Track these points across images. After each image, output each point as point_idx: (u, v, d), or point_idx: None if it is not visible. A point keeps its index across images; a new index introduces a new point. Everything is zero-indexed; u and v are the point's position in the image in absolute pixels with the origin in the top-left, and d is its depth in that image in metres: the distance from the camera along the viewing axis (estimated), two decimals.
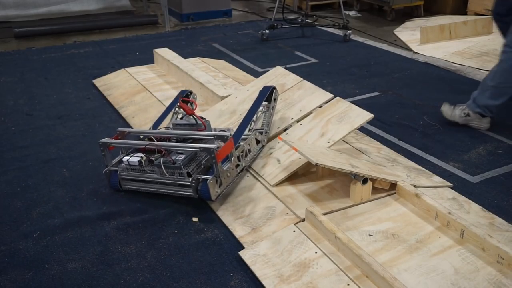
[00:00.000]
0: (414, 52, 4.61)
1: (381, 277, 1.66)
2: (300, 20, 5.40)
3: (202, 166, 2.24)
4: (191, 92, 2.83)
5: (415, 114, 3.25)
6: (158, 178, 2.23)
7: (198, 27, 5.71)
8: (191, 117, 2.44)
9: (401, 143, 2.86)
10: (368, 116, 2.46)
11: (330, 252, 1.88)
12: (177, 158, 2.17)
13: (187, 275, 1.86)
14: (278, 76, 3.07)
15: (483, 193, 2.36)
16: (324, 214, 2.06)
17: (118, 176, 2.31)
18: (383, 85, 3.80)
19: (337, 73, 4.09)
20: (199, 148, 2.13)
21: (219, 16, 6.09)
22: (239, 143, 2.37)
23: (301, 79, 2.95)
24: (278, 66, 3.17)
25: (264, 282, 1.78)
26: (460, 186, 2.42)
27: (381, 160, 2.57)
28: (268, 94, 2.65)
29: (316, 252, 1.88)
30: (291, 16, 5.84)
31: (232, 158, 2.24)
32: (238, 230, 2.08)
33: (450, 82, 3.83)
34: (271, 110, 2.66)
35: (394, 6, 5.81)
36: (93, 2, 6.16)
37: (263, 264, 1.86)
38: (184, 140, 2.38)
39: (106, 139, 2.32)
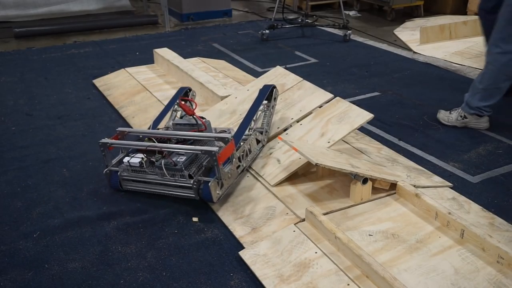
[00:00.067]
0: (414, 52, 4.61)
1: (381, 277, 1.66)
2: (300, 20, 5.40)
3: (203, 168, 2.24)
4: (190, 89, 2.83)
5: (415, 114, 3.25)
6: (159, 179, 2.24)
7: (198, 27, 5.71)
8: (192, 117, 2.44)
9: (401, 143, 2.86)
10: (368, 116, 2.46)
11: (330, 252, 1.88)
12: (178, 159, 2.17)
13: (187, 275, 1.86)
14: (278, 76, 3.07)
15: (483, 193, 2.36)
16: (324, 214, 2.06)
17: (119, 176, 2.31)
18: (383, 85, 3.80)
19: (337, 73, 4.09)
20: (201, 150, 2.14)
21: (219, 16, 6.09)
22: (240, 143, 2.37)
23: (301, 79, 2.95)
24: (278, 66, 3.17)
25: (264, 282, 1.78)
26: (460, 186, 2.42)
27: (381, 160, 2.57)
28: (268, 93, 2.65)
29: (316, 252, 1.88)
30: (291, 16, 5.84)
31: (233, 160, 2.24)
32: (238, 230, 2.08)
33: (450, 82, 3.83)
34: (271, 109, 2.66)
35: (394, 6, 5.81)
36: (93, 2, 6.16)
37: (263, 264, 1.86)
38: (185, 140, 2.38)
39: (106, 140, 2.32)
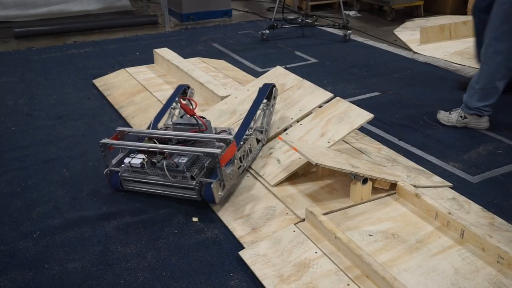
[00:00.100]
0: (414, 52, 4.61)
1: (381, 277, 1.66)
2: (300, 20, 5.40)
3: (205, 169, 2.24)
4: (188, 87, 2.83)
5: (415, 114, 3.25)
6: (161, 180, 2.23)
7: (198, 27, 5.71)
8: (192, 117, 2.44)
9: (401, 143, 2.86)
10: (368, 116, 2.46)
11: (330, 252, 1.88)
12: (180, 161, 2.17)
13: (187, 275, 1.86)
14: (278, 76, 3.07)
15: (483, 193, 2.36)
16: (324, 214, 2.06)
17: (120, 177, 2.31)
18: (383, 85, 3.80)
19: (337, 73, 4.09)
20: (203, 153, 2.14)
21: (219, 16, 6.09)
22: (240, 143, 2.37)
23: (301, 79, 2.95)
24: (278, 66, 3.17)
25: (264, 282, 1.78)
26: (460, 186, 2.42)
27: (381, 160, 2.57)
28: (268, 92, 2.64)
29: (316, 252, 1.88)
30: (291, 16, 5.84)
31: (235, 161, 2.24)
32: (238, 230, 2.08)
33: (450, 82, 3.83)
34: (271, 108, 2.65)
35: (394, 6, 5.81)
36: (93, 2, 6.15)
37: (263, 264, 1.86)
38: (186, 141, 2.38)
39: (106, 140, 2.32)
